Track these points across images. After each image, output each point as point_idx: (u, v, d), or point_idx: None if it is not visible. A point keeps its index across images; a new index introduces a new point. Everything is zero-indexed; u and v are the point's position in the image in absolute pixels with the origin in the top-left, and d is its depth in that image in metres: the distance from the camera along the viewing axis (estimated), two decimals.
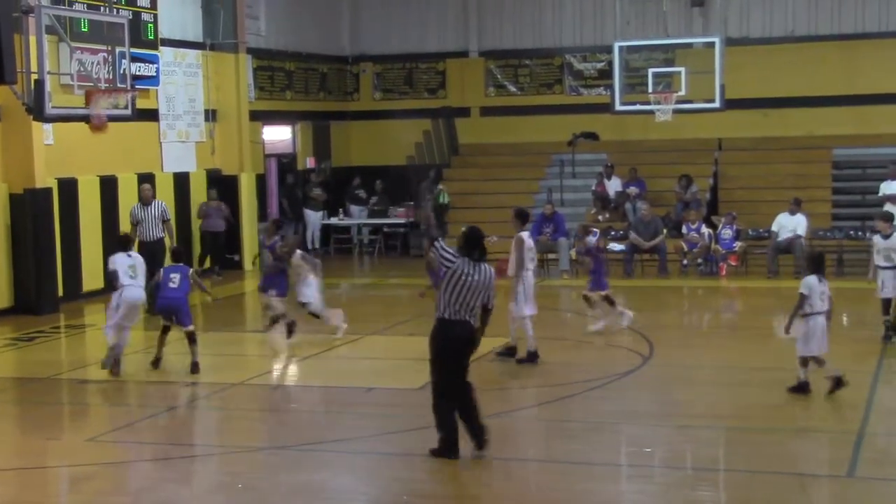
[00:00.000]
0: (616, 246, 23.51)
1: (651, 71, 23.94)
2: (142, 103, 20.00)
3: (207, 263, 23.55)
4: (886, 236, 15.50)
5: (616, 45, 23.68)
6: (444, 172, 28.00)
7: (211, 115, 24.72)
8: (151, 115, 22.63)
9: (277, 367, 15.56)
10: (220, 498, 10.01)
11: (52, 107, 16.56)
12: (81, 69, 17.59)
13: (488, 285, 10.32)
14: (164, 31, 22.90)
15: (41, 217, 19.51)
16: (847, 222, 23.99)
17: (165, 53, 23.03)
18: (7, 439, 12.02)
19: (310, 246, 27.90)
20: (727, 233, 22.89)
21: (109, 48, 17.99)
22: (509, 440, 11.34)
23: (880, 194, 22.29)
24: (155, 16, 22.24)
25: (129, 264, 14.69)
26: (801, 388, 12.51)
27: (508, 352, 14.66)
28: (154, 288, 14.90)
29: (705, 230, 23.03)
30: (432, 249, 10.49)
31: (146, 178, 22.12)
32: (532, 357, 14.36)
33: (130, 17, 19.84)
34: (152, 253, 17.85)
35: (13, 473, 10.61)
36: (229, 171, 24.85)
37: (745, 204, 25.06)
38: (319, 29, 29.20)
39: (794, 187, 24.67)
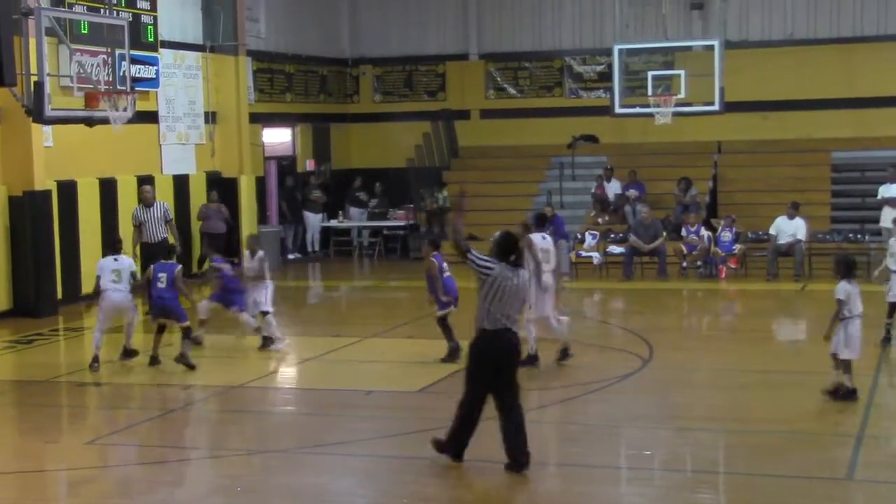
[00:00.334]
0: (616, 249, 23.53)
1: (650, 74, 23.93)
2: (141, 105, 19.97)
3: (207, 265, 23.51)
4: None
5: (615, 48, 23.68)
6: (444, 175, 28.00)
7: (211, 118, 24.73)
8: (151, 117, 22.63)
9: (276, 370, 15.56)
10: (219, 501, 10.01)
11: (52, 109, 16.54)
12: (81, 71, 17.57)
13: (527, 290, 10.12)
14: (164, 34, 22.91)
15: (40, 219, 19.51)
16: (846, 225, 24.00)
17: (165, 55, 23.04)
18: (6, 442, 12.01)
19: (310, 248, 27.95)
20: (726, 235, 22.90)
21: (109, 50, 17.98)
22: None
23: (879, 197, 22.30)
24: (155, 18, 22.25)
25: (112, 268, 14.93)
26: (838, 392, 12.39)
27: (564, 353, 14.59)
28: (146, 285, 15.06)
29: (704, 233, 23.03)
30: (467, 260, 10.07)
31: (146, 181, 22.12)
32: (532, 360, 14.32)
33: (130, 19, 19.83)
34: (155, 254, 17.83)
35: (12, 476, 10.61)
36: (229, 174, 24.85)
37: (744, 207, 25.07)
38: (319, 31, 29.21)
39: (794, 190, 24.67)
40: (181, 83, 23.86)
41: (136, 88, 19.37)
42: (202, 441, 12.28)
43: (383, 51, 30.07)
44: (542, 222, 15.31)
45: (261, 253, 16.39)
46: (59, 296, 19.89)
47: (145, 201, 19.66)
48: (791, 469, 10.31)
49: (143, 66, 21.59)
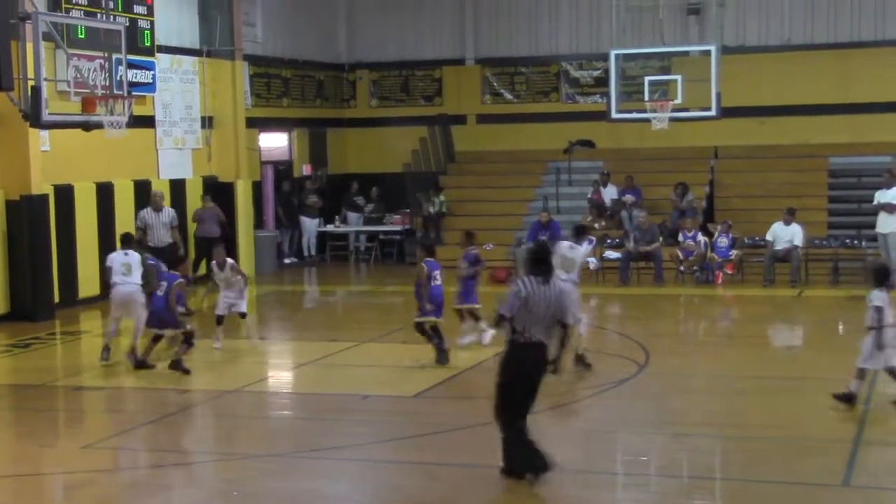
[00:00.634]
0: (612, 254, 23.54)
1: (647, 79, 23.93)
2: (138, 110, 19.99)
3: (203, 269, 23.53)
4: None
5: (612, 53, 23.66)
6: (441, 180, 28.00)
7: (207, 122, 24.72)
8: (148, 121, 22.63)
9: (273, 375, 15.56)
10: None
11: (49, 113, 16.55)
12: (78, 76, 17.56)
13: (560, 301, 9.85)
14: (161, 38, 22.91)
15: (37, 223, 19.50)
16: (843, 231, 24.01)
17: (162, 60, 23.05)
18: (2, 446, 12.01)
19: (306, 253, 27.94)
20: (723, 241, 22.91)
21: (106, 55, 17.98)
22: None
23: (875, 202, 22.31)
24: (151, 23, 22.25)
25: (122, 262, 15.37)
26: (848, 399, 12.32)
27: (581, 360, 14.56)
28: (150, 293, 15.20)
29: (701, 238, 23.05)
30: (505, 320, 9.73)
31: (142, 185, 22.20)
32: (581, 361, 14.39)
33: (127, 23, 19.82)
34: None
35: (8, 480, 10.60)
36: (225, 178, 24.84)
37: (740, 212, 25.09)
38: (316, 36, 29.22)
39: (790, 195, 24.69)
40: (178, 88, 23.86)
41: (133, 93, 19.40)
42: (199, 445, 12.27)
43: (380, 55, 30.08)
44: (580, 233, 15.22)
45: (230, 261, 16.55)
46: (56, 300, 19.89)
47: (155, 206, 19.94)
48: (787, 475, 10.31)
49: (139, 71, 21.61)
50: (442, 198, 26.94)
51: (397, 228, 27.61)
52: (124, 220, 21.51)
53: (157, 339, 14.99)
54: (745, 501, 9.78)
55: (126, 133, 17.58)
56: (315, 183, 28.39)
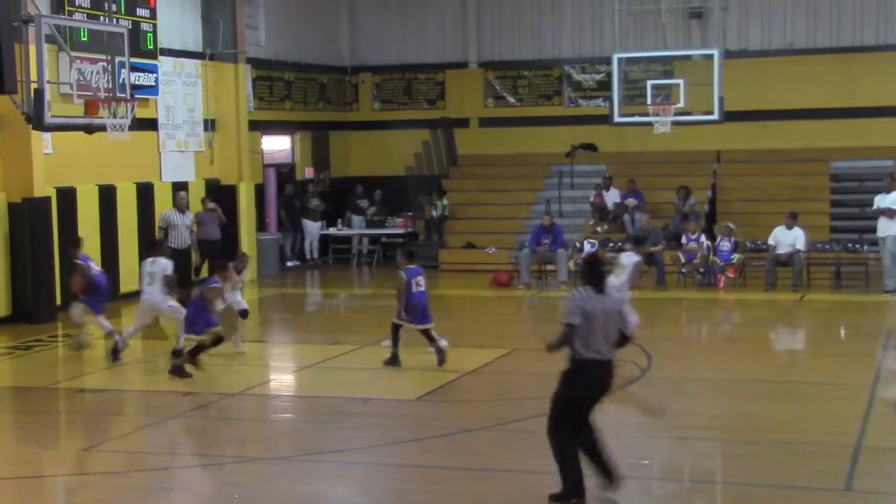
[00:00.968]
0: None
1: (650, 83, 23.95)
2: (141, 113, 20.02)
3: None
4: None
5: (615, 57, 23.68)
6: (443, 183, 28.01)
7: (210, 125, 24.74)
8: (150, 124, 22.65)
9: (275, 378, 15.56)
10: None
11: (52, 116, 16.57)
12: (81, 78, 17.60)
13: (619, 312, 9.68)
14: (164, 41, 22.92)
15: (39, 226, 19.52)
16: (845, 235, 23.98)
17: (165, 63, 23.05)
18: (3, 448, 12.01)
19: (308, 256, 27.94)
20: (725, 245, 22.89)
21: (109, 58, 17.98)
22: (506, 451, 11.34)
23: (874, 207, 22.28)
24: (154, 25, 22.26)
25: (148, 271, 15.76)
26: None
27: None
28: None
29: (704, 241, 23.03)
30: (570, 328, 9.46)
31: (145, 188, 22.21)
32: None
33: (130, 26, 19.83)
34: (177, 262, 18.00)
35: (10, 483, 10.61)
36: (228, 181, 24.86)
37: (743, 216, 25.06)
38: (319, 39, 29.23)
39: (793, 199, 24.69)
40: (180, 91, 23.87)
41: (136, 96, 19.39)
42: (201, 448, 12.26)
43: (382, 59, 30.09)
44: (639, 243, 16.16)
45: (230, 264, 16.49)
46: (58, 302, 19.89)
47: (179, 207, 20.16)
48: (789, 479, 10.31)
49: (142, 74, 21.60)
50: (445, 201, 26.96)
51: (400, 231, 27.61)
52: (126, 222, 21.53)
53: (216, 341, 14.92)
54: None
55: (128, 136, 17.62)
56: (317, 186, 28.40)
